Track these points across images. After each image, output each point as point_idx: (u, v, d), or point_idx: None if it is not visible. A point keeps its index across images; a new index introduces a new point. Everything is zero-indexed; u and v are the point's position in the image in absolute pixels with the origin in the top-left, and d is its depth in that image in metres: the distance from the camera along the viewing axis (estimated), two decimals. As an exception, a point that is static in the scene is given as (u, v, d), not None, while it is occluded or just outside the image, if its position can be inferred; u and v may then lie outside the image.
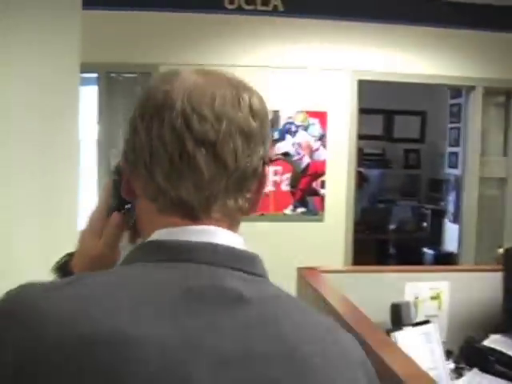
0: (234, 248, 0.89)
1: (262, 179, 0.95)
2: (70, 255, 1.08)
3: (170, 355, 0.75)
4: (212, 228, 0.88)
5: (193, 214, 0.88)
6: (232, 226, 0.92)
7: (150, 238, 0.89)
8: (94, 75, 5.17)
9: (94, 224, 1.05)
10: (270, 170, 5.22)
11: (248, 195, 0.92)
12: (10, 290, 0.81)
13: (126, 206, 1.01)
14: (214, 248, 0.87)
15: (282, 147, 5.25)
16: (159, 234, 0.88)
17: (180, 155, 0.86)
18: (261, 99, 0.96)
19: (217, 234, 0.88)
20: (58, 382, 0.71)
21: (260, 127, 0.92)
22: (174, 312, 0.78)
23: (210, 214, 0.89)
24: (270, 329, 0.82)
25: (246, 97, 0.92)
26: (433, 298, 3.12)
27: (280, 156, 5.24)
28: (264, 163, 0.94)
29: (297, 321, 0.87)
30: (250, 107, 0.92)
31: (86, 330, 0.73)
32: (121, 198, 0.99)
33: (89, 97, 5.17)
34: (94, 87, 5.23)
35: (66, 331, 0.73)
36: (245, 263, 0.89)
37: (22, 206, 2.06)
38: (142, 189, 0.91)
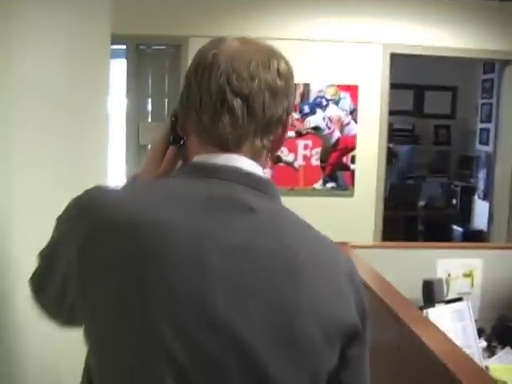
0: (251, 172, 1.14)
1: (284, 125, 1.20)
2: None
3: (191, 239, 1.04)
4: (237, 156, 1.14)
5: (226, 147, 1.14)
6: (256, 158, 1.16)
7: (190, 162, 1.19)
8: (123, 47, 5.13)
9: (156, 154, 1.32)
10: (300, 143, 5.20)
11: (272, 137, 1.18)
12: (85, 190, 1.16)
13: (181, 142, 1.26)
14: (235, 170, 1.13)
15: (312, 121, 5.20)
16: (196, 159, 1.17)
17: (221, 103, 1.11)
18: (287, 63, 1.21)
19: (240, 161, 1.14)
20: (112, 250, 1.06)
21: (285, 85, 1.17)
22: (197, 211, 1.06)
23: (240, 148, 1.14)
24: (272, 232, 1.09)
25: (274, 61, 1.17)
26: (465, 275, 3.09)
27: (310, 130, 5.20)
28: (288, 113, 1.19)
29: (296, 231, 1.15)
30: (278, 70, 1.17)
31: (133, 215, 1.06)
32: (176, 135, 1.27)
33: (118, 69, 5.16)
34: (123, 60, 5.20)
35: (120, 216, 1.06)
36: (258, 184, 1.14)
37: (51, 177, 2.06)
38: (192, 127, 1.18)
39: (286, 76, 1.18)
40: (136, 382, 1.04)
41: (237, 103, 1.12)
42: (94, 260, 1.08)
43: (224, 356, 1.02)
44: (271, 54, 1.19)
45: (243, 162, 1.14)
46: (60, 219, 1.20)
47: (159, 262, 1.03)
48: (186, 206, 1.07)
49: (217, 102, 1.12)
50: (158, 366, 1.02)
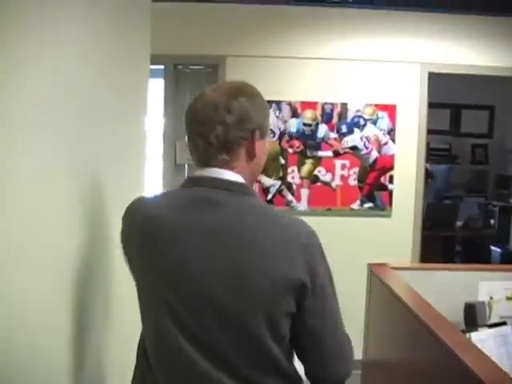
0: (223, 178, 1.68)
1: (250, 142, 1.72)
2: None
3: (180, 227, 1.63)
4: (213, 169, 1.70)
5: (206, 164, 1.71)
6: (229, 167, 1.70)
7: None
8: (161, 67, 5.18)
9: None
10: (338, 163, 5.17)
11: (236, 151, 1.70)
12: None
13: None
14: (209, 178, 1.69)
15: (349, 141, 5.17)
16: (190, 175, 1.79)
17: (193, 141, 1.73)
18: (247, 99, 1.71)
19: (212, 172, 1.69)
20: (137, 236, 1.69)
21: (237, 119, 1.68)
22: (185, 209, 1.65)
23: (210, 164, 1.70)
24: (234, 218, 1.63)
25: (228, 103, 1.68)
26: (508, 298, 3.04)
27: (348, 150, 5.17)
28: (247, 136, 1.70)
29: (255, 216, 1.65)
30: (228, 109, 1.67)
31: (146, 214, 1.69)
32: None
33: (155, 89, 5.20)
34: (161, 80, 5.24)
35: (139, 214, 1.70)
36: (227, 186, 1.68)
37: (91, 195, 2.09)
38: (195, 159, 1.76)
39: (239, 111, 1.68)
40: (158, 331, 1.65)
41: (199, 139, 1.70)
42: (129, 248, 1.77)
43: (200, 303, 1.59)
44: (229, 96, 1.69)
45: (217, 172, 1.69)
46: None
47: (160, 245, 1.65)
48: (179, 206, 1.68)
49: (191, 141, 1.74)
50: (161, 312, 1.63)
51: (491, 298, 3.00)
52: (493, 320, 2.82)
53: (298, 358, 1.75)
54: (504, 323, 2.68)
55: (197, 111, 1.70)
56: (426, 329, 2.12)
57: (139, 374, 1.76)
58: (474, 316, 2.69)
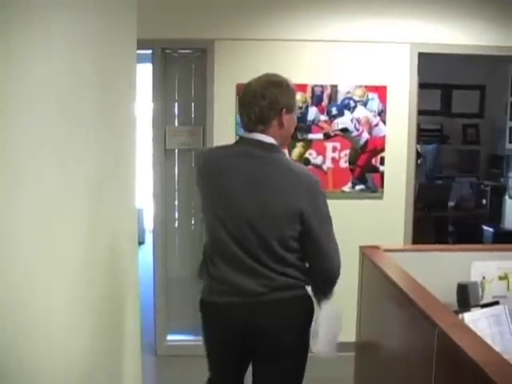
0: (259, 139, 2.58)
1: (280, 118, 2.58)
2: None
3: (228, 168, 2.61)
4: (254, 133, 2.61)
5: (249, 131, 2.64)
6: (264, 133, 2.59)
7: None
8: (149, 52, 5.12)
9: None
10: (329, 146, 5.17)
11: (270, 123, 2.58)
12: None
13: None
14: (252, 139, 2.61)
15: (340, 123, 5.14)
16: (241, 135, 2.77)
17: (241, 117, 2.71)
18: (275, 89, 2.57)
19: (255, 135, 2.60)
20: (206, 171, 2.70)
21: (268, 102, 2.55)
22: (234, 157, 2.62)
23: (255, 131, 2.60)
24: (263, 165, 2.56)
25: (263, 91, 2.56)
26: (501, 278, 3.03)
27: (338, 132, 5.15)
28: (279, 113, 2.58)
29: (277, 164, 2.60)
30: (263, 95, 2.55)
31: (212, 157, 2.73)
32: None
33: (144, 74, 5.15)
34: (149, 65, 5.18)
35: (208, 157, 2.76)
36: (262, 145, 2.58)
37: (81, 179, 2.08)
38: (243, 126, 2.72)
39: (270, 97, 2.55)
40: (214, 233, 2.65)
41: (244, 115, 2.65)
42: (200, 179, 2.72)
43: (239, 219, 2.55)
44: (264, 86, 2.58)
45: (256, 136, 2.61)
46: None
47: (216, 178, 2.62)
48: (231, 154, 2.65)
49: (240, 114, 2.72)
50: (216, 223, 2.61)
51: (484, 277, 2.99)
52: (486, 300, 2.82)
53: (306, 260, 2.69)
54: (497, 303, 2.68)
55: (243, 95, 2.66)
56: (419, 311, 2.12)
57: (206, 267, 2.74)
58: (466, 296, 2.69)
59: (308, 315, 2.70)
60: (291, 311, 2.64)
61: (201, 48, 5.10)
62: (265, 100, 2.54)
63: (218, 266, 2.65)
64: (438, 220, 7.55)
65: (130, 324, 3.22)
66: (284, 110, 2.58)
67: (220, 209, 2.60)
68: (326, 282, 2.69)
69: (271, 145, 2.59)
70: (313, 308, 2.72)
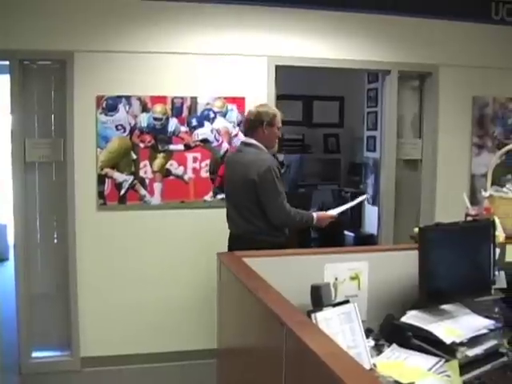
0: (248, 141, 4.40)
1: (262, 129, 4.34)
2: None
3: (232, 162, 4.58)
4: (246, 137, 4.48)
5: (245, 135, 4.57)
6: (252, 137, 4.37)
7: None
8: (6, 63, 4.97)
9: None
10: (189, 156, 5.26)
11: (256, 130, 4.37)
12: None
13: None
14: (245, 142, 4.48)
15: (200, 134, 5.23)
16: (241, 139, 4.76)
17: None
18: (256, 108, 4.46)
19: (246, 139, 4.47)
20: (227, 168, 4.68)
21: (254, 117, 4.37)
22: (235, 154, 4.65)
23: (247, 135, 4.49)
24: (247, 157, 4.34)
25: (252, 109, 4.51)
26: (352, 278, 3.17)
27: (199, 143, 5.22)
28: (263, 125, 4.33)
29: (253, 155, 4.34)
30: (252, 112, 4.44)
31: (227, 159, 4.83)
32: None
33: (1, 86, 5.00)
34: (6, 76, 5.03)
35: (231, 158, 4.73)
36: (250, 145, 4.37)
37: None
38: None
39: (255, 113, 4.37)
40: (227, 204, 4.60)
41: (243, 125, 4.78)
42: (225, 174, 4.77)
43: (235, 193, 4.42)
44: (253, 109, 4.45)
45: (246, 139, 4.45)
46: None
47: (227, 169, 4.65)
48: (234, 153, 4.75)
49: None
50: (229, 206, 4.53)
51: (336, 279, 3.12)
52: (339, 299, 2.93)
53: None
54: (347, 301, 2.79)
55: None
56: (270, 312, 2.18)
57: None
58: (319, 297, 2.78)
59: None
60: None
61: (60, 60, 5.01)
62: (252, 116, 4.39)
63: None
64: (300, 227, 7.71)
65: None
66: (265, 123, 4.32)
67: (229, 190, 4.60)
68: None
69: (255, 145, 4.34)
70: None
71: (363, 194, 5.16)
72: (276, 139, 4.47)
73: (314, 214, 4.48)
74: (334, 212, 4.54)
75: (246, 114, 4.44)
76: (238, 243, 4.25)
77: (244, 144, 4.44)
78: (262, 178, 4.15)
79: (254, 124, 4.34)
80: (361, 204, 7.09)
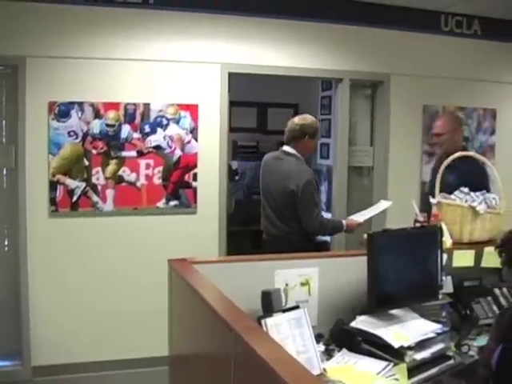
0: (287, 151, 4.68)
1: (303, 140, 4.62)
2: None
3: (270, 171, 4.79)
4: (286, 147, 4.71)
5: (285, 144, 4.74)
6: (292, 147, 4.65)
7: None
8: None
9: None
10: (142, 163, 5.26)
11: (299, 141, 4.63)
12: None
13: None
14: (284, 151, 4.72)
15: (153, 140, 5.22)
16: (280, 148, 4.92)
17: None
18: (302, 120, 4.73)
19: (286, 148, 4.71)
20: (266, 171, 4.89)
21: (299, 128, 4.63)
22: (273, 161, 4.81)
23: (287, 144, 4.73)
24: (285, 166, 4.63)
25: (297, 120, 4.72)
26: (302, 284, 3.20)
27: (151, 149, 5.21)
28: (305, 136, 4.61)
29: (292, 165, 4.62)
30: (297, 124, 4.67)
31: (264, 162, 4.95)
32: None
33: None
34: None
35: (270, 164, 4.84)
36: (290, 154, 4.64)
37: None
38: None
39: (300, 125, 4.62)
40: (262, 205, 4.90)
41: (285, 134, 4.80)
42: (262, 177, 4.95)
43: (272, 200, 4.70)
44: (297, 121, 4.69)
45: (286, 148, 4.69)
46: None
47: (263, 175, 4.89)
48: (271, 159, 4.84)
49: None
50: (265, 203, 4.81)
51: (287, 284, 3.15)
52: (290, 305, 2.95)
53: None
54: (297, 307, 2.81)
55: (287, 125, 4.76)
56: (220, 318, 2.19)
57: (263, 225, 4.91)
58: (270, 303, 2.80)
59: None
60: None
61: (12, 65, 4.96)
62: (297, 126, 4.64)
63: None
64: (255, 233, 7.73)
65: None
66: (307, 136, 4.59)
67: (265, 196, 4.83)
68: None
69: (294, 154, 4.61)
70: None
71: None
72: (313, 150, 5.06)
73: (344, 222, 4.71)
74: (361, 219, 4.74)
75: (289, 123, 4.69)
76: (273, 243, 4.69)
77: (284, 153, 4.69)
78: (302, 190, 4.41)
79: (297, 135, 4.61)
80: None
